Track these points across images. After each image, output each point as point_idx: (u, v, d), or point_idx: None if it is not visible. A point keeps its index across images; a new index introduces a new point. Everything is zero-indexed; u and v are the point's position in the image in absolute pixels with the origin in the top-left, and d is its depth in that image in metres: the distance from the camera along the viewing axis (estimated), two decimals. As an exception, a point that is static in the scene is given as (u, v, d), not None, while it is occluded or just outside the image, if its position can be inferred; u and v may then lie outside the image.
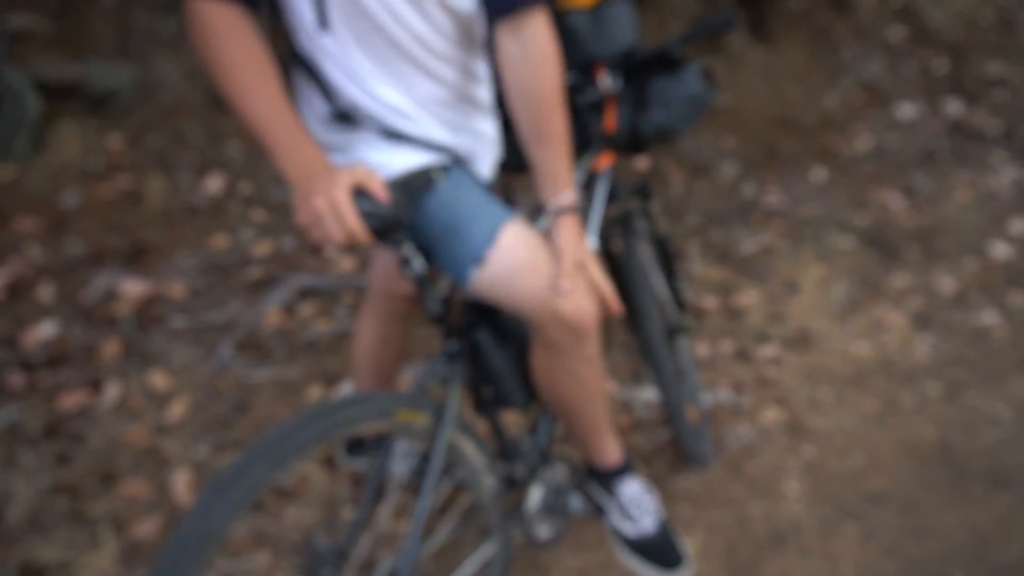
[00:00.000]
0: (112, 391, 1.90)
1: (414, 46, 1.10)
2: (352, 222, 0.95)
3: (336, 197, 0.95)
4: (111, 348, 2.00)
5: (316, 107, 1.16)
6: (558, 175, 1.16)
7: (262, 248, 2.40)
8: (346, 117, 1.13)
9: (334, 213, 0.95)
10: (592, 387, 1.33)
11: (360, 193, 0.98)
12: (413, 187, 1.15)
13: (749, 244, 2.70)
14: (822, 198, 3.01)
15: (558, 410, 1.39)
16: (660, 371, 1.68)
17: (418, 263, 1.13)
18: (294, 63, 1.15)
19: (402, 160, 1.15)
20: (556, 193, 1.17)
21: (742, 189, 3.03)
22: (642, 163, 3.05)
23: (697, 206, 2.91)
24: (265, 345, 2.09)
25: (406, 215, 1.05)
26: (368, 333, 1.57)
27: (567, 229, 1.16)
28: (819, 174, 3.17)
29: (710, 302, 2.43)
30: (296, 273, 2.30)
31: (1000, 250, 2.77)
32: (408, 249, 1.12)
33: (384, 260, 1.46)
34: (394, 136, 1.14)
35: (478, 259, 1.14)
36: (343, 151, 1.17)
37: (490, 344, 1.31)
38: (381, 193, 0.99)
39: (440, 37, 1.11)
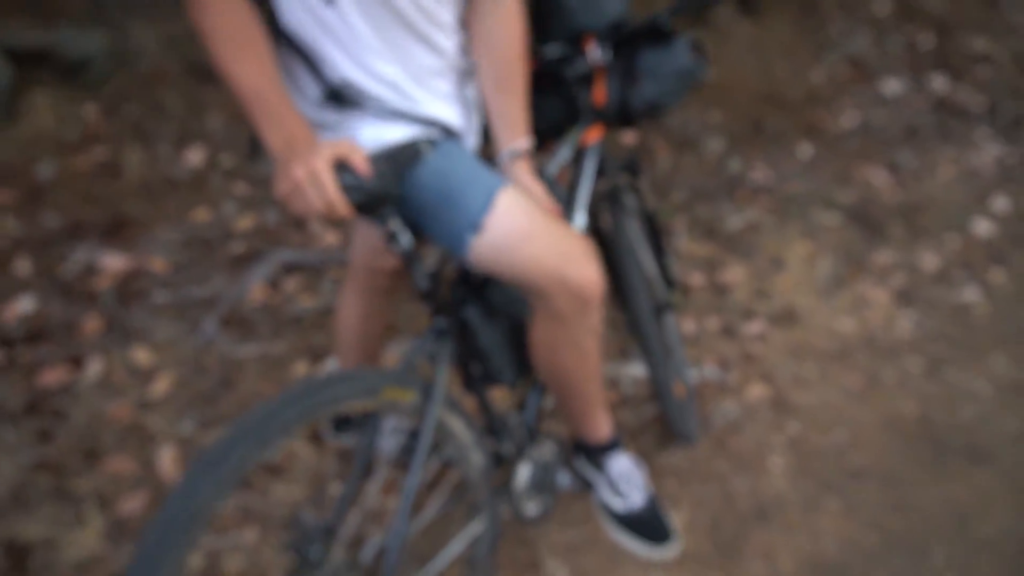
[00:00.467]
0: (94, 367, 1.87)
1: (417, 15, 1.10)
2: (332, 192, 0.94)
3: (315, 166, 0.94)
4: (92, 323, 1.97)
5: (306, 87, 1.14)
6: (517, 121, 1.24)
7: (245, 222, 2.36)
8: (338, 96, 1.11)
9: (314, 183, 0.94)
10: (593, 359, 1.32)
11: (343, 167, 0.97)
12: (399, 160, 1.13)
13: (735, 220, 2.70)
14: (808, 174, 3.01)
15: (555, 383, 1.38)
16: (648, 348, 1.68)
17: (405, 238, 1.11)
18: (281, 42, 1.13)
19: (393, 134, 1.14)
20: (514, 138, 1.24)
21: (728, 165, 3.02)
22: (628, 138, 3.03)
23: (683, 182, 2.90)
24: (249, 320, 2.07)
25: (392, 189, 1.03)
26: (351, 308, 1.56)
27: (524, 171, 1.24)
28: (805, 150, 3.16)
29: (696, 278, 2.44)
30: (280, 248, 2.27)
31: (982, 227, 2.80)
32: (395, 224, 1.10)
33: (366, 234, 1.44)
34: (387, 112, 1.13)
35: (476, 226, 1.12)
36: (334, 129, 1.15)
37: (479, 320, 1.30)
38: (363, 167, 0.98)
39: (440, 5, 1.12)
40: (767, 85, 3.52)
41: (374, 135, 1.13)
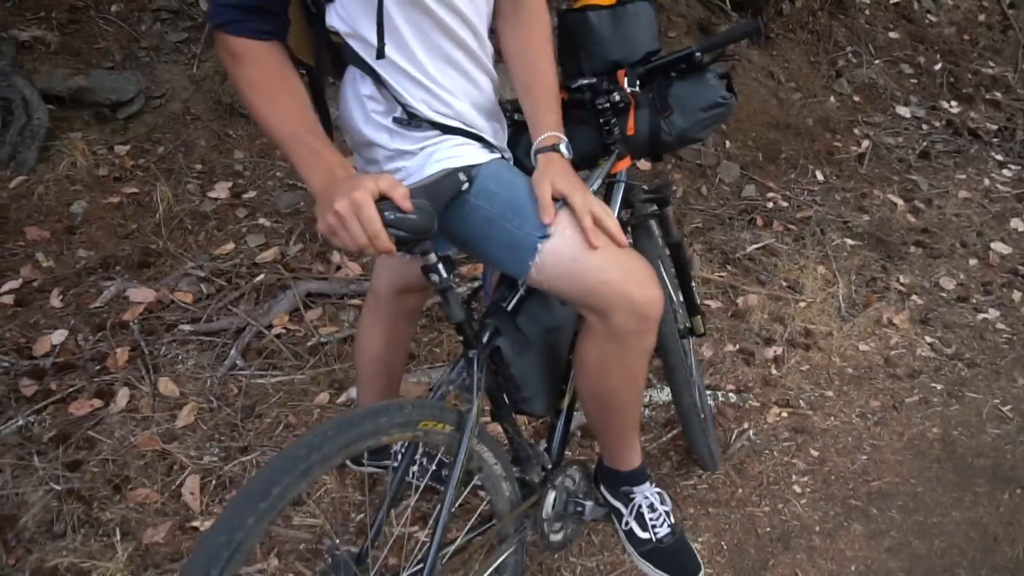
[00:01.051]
0: (122, 398, 1.91)
1: (464, 32, 1.14)
2: (375, 225, 0.94)
3: (358, 200, 0.94)
4: (120, 355, 2.02)
5: (378, 116, 1.17)
6: (545, 118, 1.25)
7: (269, 254, 2.41)
8: (412, 119, 1.15)
9: (356, 216, 0.94)
10: (640, 383, 1.32)
11: (385, 203, 0.97)
12: (439, 194, 1.13)
13: (751, 246, 2.72)
14: (822, 199, 3.02)
15: (597, 406, 1.37)
16: (674, 375, 1.67)
17: (443, 271, 1.11)
18: (364, 72, 1.15)
19: (461, 158, 1.17)
20: (542, 133, 1.24)
21: (743, 191, 3.05)
22: (644, 164, 3.06)
23: (699, 208, 2.93)
24: (273, 351, 2.11)
25: (432, 224, 1.03)
26: (374, 337, 1.56)
27: (556, 165, 1.21)
28: (819, 176, 3.18)
29: (714, 304, 2.45)
30: (303, 279, 2.32)
31: (999, 248, 2.79)
32: (433, 257, 1.10)
33: (392, 258, 1.47)
34: (454, 136, 1.17)
35: (544, 234, 1.13)
36: (405, 157, 1.18)
37: (512, 351, 1.29)
38: (404, 202, 0.98)
39: (479, 16, 1.17)
40: (781, 112, 3.56)
41: (445, 157, 1.16)
